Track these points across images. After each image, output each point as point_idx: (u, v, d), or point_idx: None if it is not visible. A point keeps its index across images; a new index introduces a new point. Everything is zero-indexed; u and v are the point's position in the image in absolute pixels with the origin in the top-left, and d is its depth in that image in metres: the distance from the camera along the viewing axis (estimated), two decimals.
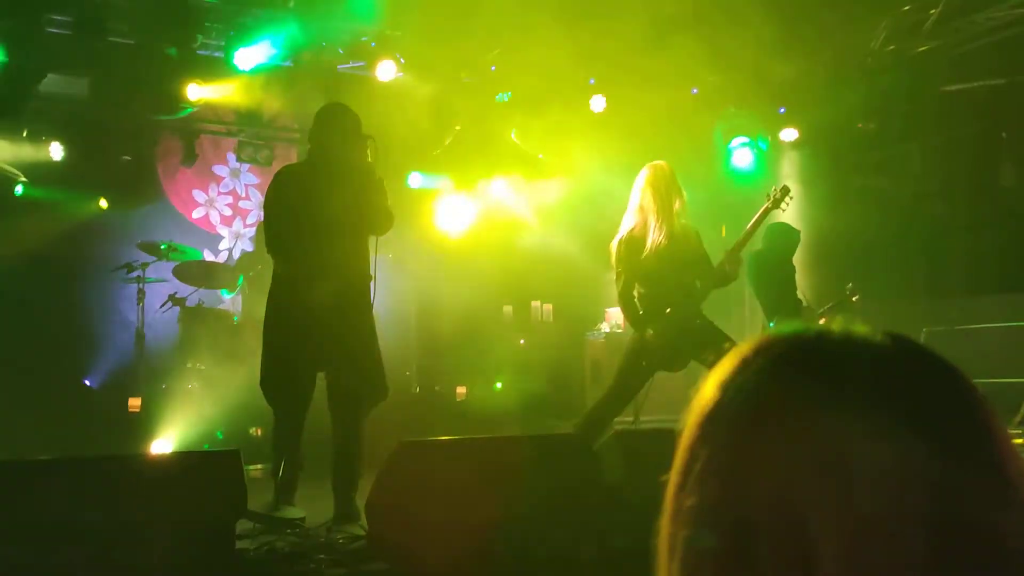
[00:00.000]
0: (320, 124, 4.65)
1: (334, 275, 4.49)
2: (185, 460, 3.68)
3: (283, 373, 4.53)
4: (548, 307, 9.28)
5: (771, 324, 6.75)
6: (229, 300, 8.76)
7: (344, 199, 4.50)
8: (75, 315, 8.61)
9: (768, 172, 9.23)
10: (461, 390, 8.84)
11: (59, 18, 7.67)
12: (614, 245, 5.31)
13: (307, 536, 3.97)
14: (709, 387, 0.77)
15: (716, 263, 5.28)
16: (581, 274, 8.88)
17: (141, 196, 9.16)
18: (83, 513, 3.21)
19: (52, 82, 7.72)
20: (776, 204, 5.45)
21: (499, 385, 8.95)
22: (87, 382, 8.36)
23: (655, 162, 5.31)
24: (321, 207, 4.48)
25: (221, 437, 7.05)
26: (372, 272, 4.71)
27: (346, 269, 4.57)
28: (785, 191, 5.48)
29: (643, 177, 5.29)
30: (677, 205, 5.20)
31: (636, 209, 5.27)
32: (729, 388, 0.75)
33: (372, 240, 4.70)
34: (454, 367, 9.11)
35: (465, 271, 9.12)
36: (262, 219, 9.18)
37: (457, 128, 8.58)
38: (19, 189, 8.27)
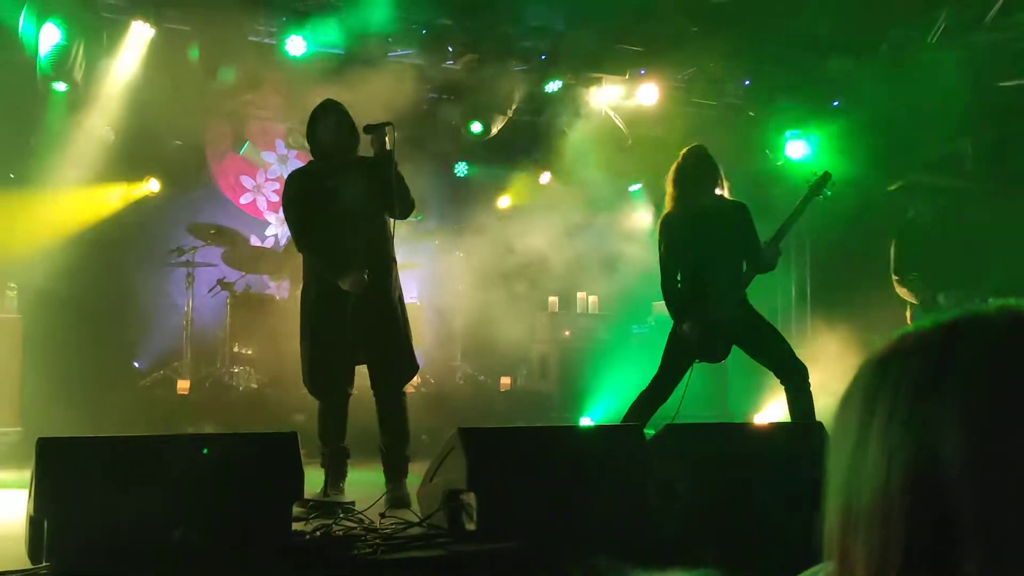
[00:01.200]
0: (310, 123, 4.77)
1: (356, 264, 4.57)
2: (243, 441, 3.69)
3: (323, 365, 4.64)
4: (594, 299, 9.22)
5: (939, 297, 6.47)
6: (275, 286, 8.82)
7: (352, 190, 4.60)
8: (125, 298, 8.70)
9: (820, 165, 9.09)
10: (505, 381, 8.82)
11: (113, 2, 7.75)
12: (655, 233, 5.27)
13: (360, 521, 3.96)
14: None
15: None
16: (628, 266, 8.82)
17: (191, 181, 9.24)
18: (144, 492, 3.23)
19: (106, 67, 7.80)
20: (817, 191, 5.29)
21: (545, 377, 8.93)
22: (136, 364, 8.45)
23: (694, 145, 5.24)
24: (336, 200, 4.60)
25: (265, 422, 7.09)
26: (393, 254, 4.81)
27: (367, 256, 4.64)
28: (826, 178, 5.30)
29: (679, 160, 5.22)
30: (714, 186, 5.13)
31: (670, 195, 5.21)
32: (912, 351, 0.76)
33: (392, 224, 4.79)
34: (498, 358, 9.10)
35: (511, 261, 9.09)
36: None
37: (508, 114, 8.54)
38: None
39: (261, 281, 8.79)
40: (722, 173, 5.21)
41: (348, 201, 4.59)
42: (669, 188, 5.20)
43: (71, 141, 8.04)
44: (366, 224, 4.65)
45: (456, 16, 7.81)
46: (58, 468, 3.12)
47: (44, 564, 3.02)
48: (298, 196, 4.68)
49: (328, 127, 4.64)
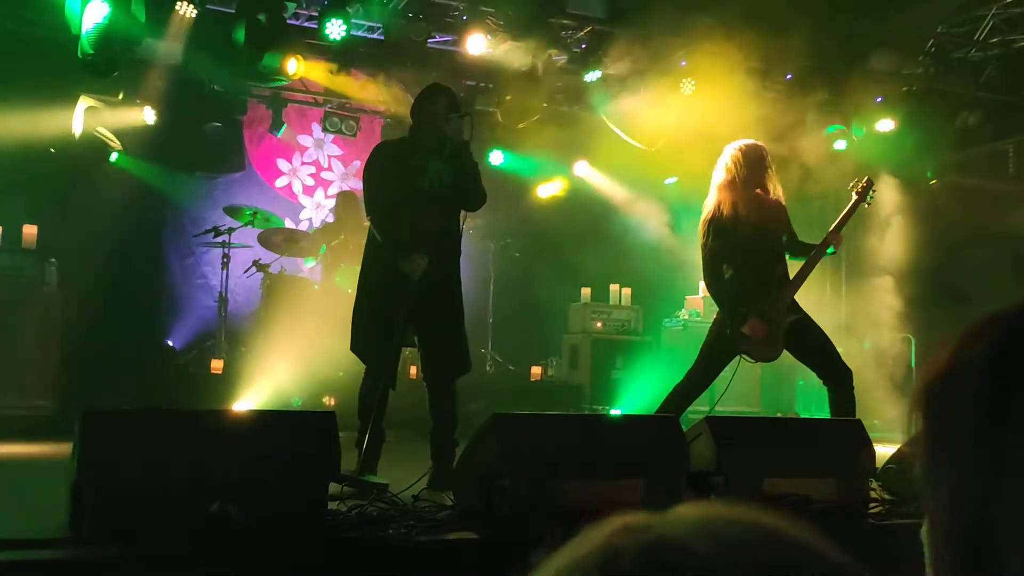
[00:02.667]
0: (420, 102, 4.78)
1: (427, 249, 4.58)
2: (282, 418, 3.71)
3: (375, 333, 4.61)
4: (627, 291, 9.18)
5: None
6: (308, 269, 8.86)
7: (437, 175, 4.61)
8: (161, 277, 8.79)
9: (862, 161, 8.99)
10: (536, 371, 8.82)
11: None
12: (700, 225, 5.21)
13: (394, 502, 3.97)
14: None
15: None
16: (662, 259, 8.79)
17: (228, 163, 9.30)
18: (183, 464, 3.25)
19: (148, 47, 7.87)
20: (862, 198, 5.29)
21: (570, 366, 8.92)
22: (171, 343, 8.53)
23: (742, 140, 5.19)
24: (415, 181, 4.60)
25: (298, 404, 7.14)
26: (459, 246, 4.85)
27: (438, 244, 4.66)
28: (869, 184, 5.30)
29: (727, 154, 5.16)
30: (765, 182, 5.09)
31: (718, 186, 5.15)
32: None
33: (463, 216, 4.80)
34: (529, 348, 9.10)
35: (545, 250, 9.08)
36: (344, 190, 9.35)
37: (544, 105, 8.51)
38: (114, 156, 8.45)
39: (295, 263, 8.84)
40: (774, 171, 5.17)
41: (429, 184, 4.59)
42: (723, 179, 5.14)
43: (112, 118, 8.13)
44: (440, 210, 4.66)
45: (498, 3, 7.79)
46: (101, 439, 3.16)
47: (85, 532, 3.05)
48: (383, 168, 4.69)
49: (439, 108, 4.63)
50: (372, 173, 4.76)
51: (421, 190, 4.58)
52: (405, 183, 4.60)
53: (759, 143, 5.21)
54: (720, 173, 5.15)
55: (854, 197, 5.29)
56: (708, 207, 5.17)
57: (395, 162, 4.69)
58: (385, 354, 4.61)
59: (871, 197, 5.33)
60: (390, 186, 4.63)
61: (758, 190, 5.12)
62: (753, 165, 5.09)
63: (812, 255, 5.16)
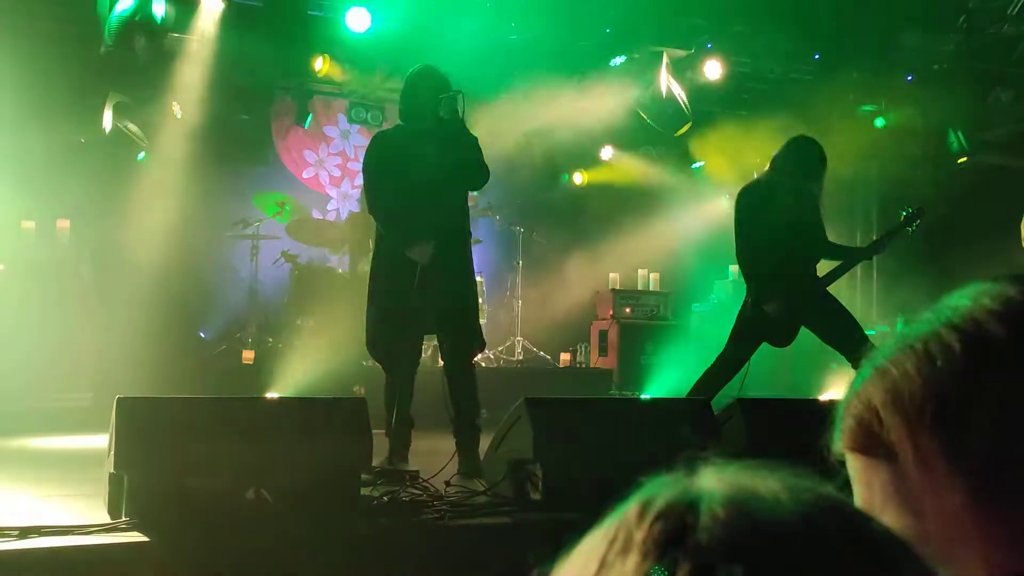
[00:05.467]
0: (407, 86, 4.74)
1: (433, 233, 4.56)
2: (314, 406, 3.73)
3: (389, 333, 4.61)
4: (655, 276, 9.15)
5: None
6: (336, 259, 8.91)
7: (437, 157, 4.57)
8: (192, 269, 8.86)
9: (894, 142, 8.90)
10: (565, 357, 8.81)
11: None
12: (736, 196, 5.20)
13: (426, 488, 3.98)
14: None
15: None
16: (690, 244, 8.74)
17: (256, 155, 9.35)
18: (219, 452, 3.29)
19: (174, 41, 7.93)
20: (908, 223, 5.24)
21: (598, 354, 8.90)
22: (202, 334, 8.61)
23: (802, 135, 5.25)
24: (415, 167, 4.57)
25: (327, 393, 7.17)
26: (468, 226, 4.81)
27: (444, 226, 4.63)
28: (919, 213, 5.25)
29: (792, 142, 5.19)
30: (812, 178, 5.07)
31: (769, 167, 5.17)
32: None
33: (468, 195, 4.82)
34: (558, 334, 9.09)
35: (573, 236, 9.06)
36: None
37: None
38: (141, 155, 8.52)
39: (322, 254, 8.88)
40: (824, 171, 5.13)
41: (428, 168, 4.56)
42: (773, 162, 5.14)
43: (141, 114, 8.20)
44: (443, 193, 4.62)
45: None
46: (137, 426, 3.19)
47: (123, 519, 3.09)
48: (378, 159, 4.68)
49: (430, 89, 4.58)
50: (369, 166, 4.73)
51: (422, 176, 4.55)
52: (404, 172, 4.57)
53: (816, 140, 5.20)
54: (775, 155, 5.18)
55: (901, 220, 5.25)
56: (749, 184, 5.20)
57: (393, 152, 4.66)
58: (400, 347, 4.61)
59: (916, 225, 5.28)
60: (389, 177, 4.60)
61: (803, 182, 5.10)
62: (803, 157, 5.09)
63: (842, 264, 5.19)
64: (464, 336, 4.70)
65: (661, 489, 0.50)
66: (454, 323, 4.68)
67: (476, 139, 4.68)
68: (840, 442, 0.73)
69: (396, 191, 4.59)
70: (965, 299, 0.68)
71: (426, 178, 4.55)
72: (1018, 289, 0.67)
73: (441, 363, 5.00)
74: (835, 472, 0.74)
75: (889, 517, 0.66)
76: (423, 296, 4.55)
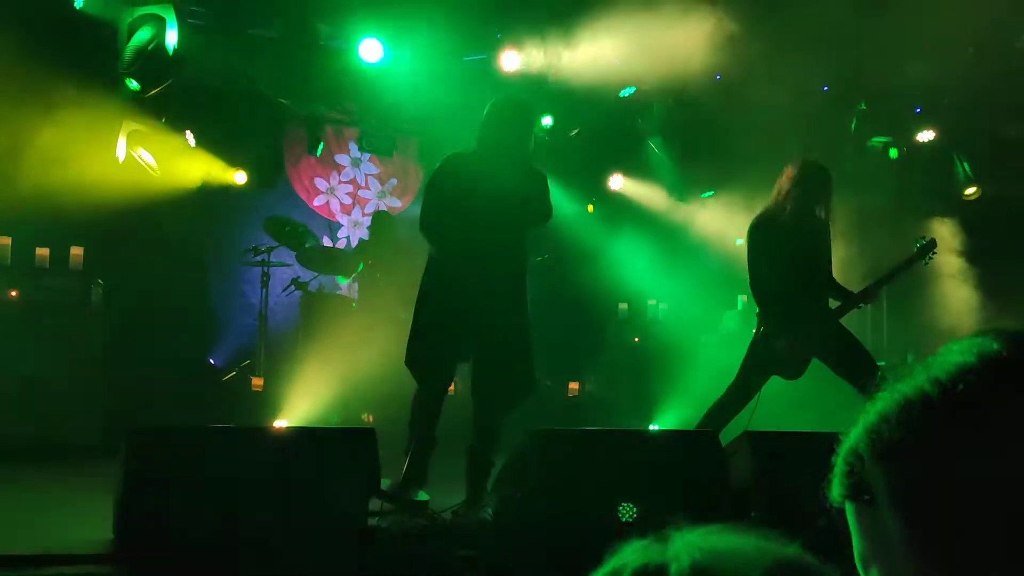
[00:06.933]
0: (495, 112, 4.68)
1: (488, 264, 4.51)
2: (323, 435, 3.75)
3: (428, 351, 4.55)
4: (664, 306, 9.14)
5: None
6: (345, 287, 8.94)
7: (506, 190, 4.52)
8: (202, 296, 8.91)
9: (903, 173, 8.92)
10: (573, 386, 8.80)
11: (197, 9, 7.96)
12: (748, 229, 5.19)
13: (434, 519, 3.98)
14: None
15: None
16: (700, 273, 8.74)
17: (267, 183, 9.42)
18: (227, 480, 3.30)
19: (188, 70, 8.02)
20: (923, 254, 5.22)
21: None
22: (212, 361, 8.64)
23: (807, 157, 5.20)
24: (482, 195, 4.51)
25: (336, 421, 7.18)
26: (525, 260, 4.75)
27: (501, 260, 4.58)
28: (932, 244, 5.23)
29: (790, 167, 5.16)
30: (820, 203, 5.06)
31: (775, 195, 5.14)
32: None
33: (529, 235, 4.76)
34: (566, 362, 9.08)
35: (582, 265, 9.08)
36: (380, 210, 9.44)
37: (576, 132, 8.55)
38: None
39: (332, 281, 8.92)
40: (831, 197, 5.13)
41: (494, 199, 4.49)
42: (779, 190, 5.12)
43: (155, 142, 8.28)
44: (504, 228, 4.56)
45: (535, 22, 7.84)
46: (146, 455, 3.21)
47: (131, 547, 3.10)
48: (444, 181, 4.61)
49: (517, 124, 4.59)
50: (434, 185, 4.68)
51: (485, 205, 4.49)
52: (468, 197, 4.51)
53: (823, 164, 5.18)
54: (779, 185, 5.15)
55: (914, 253, 5.22)
56: (760, 215, 5.18)
57: (460, 176, 4.59)
58: (433, 376, 4.56)
59: (930, 257, 5.25)
60: (456, 199, 4.53)
61: (812, 210, 5.09)
62: (811, 184, 5.07)
63: (852, 299, 5.14)
64: (518, 375, 4.59)
65: (633, 556, 0.52)
66: (497, 364, 4.56)
67: (545, 175, 4.68)
68: (836, 492, 0.75)
69: (456, 215, 4.52)
70: (953, 354, 0.71)
71: (489, 208, 4.48)
72: (1001, 345, 0.69)
73: (452, 391, 4.96)
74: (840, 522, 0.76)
75: (878, 564, 0.68)
76: (468, 327, 4.47)
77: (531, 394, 4.68)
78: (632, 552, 0.52)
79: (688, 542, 0.51)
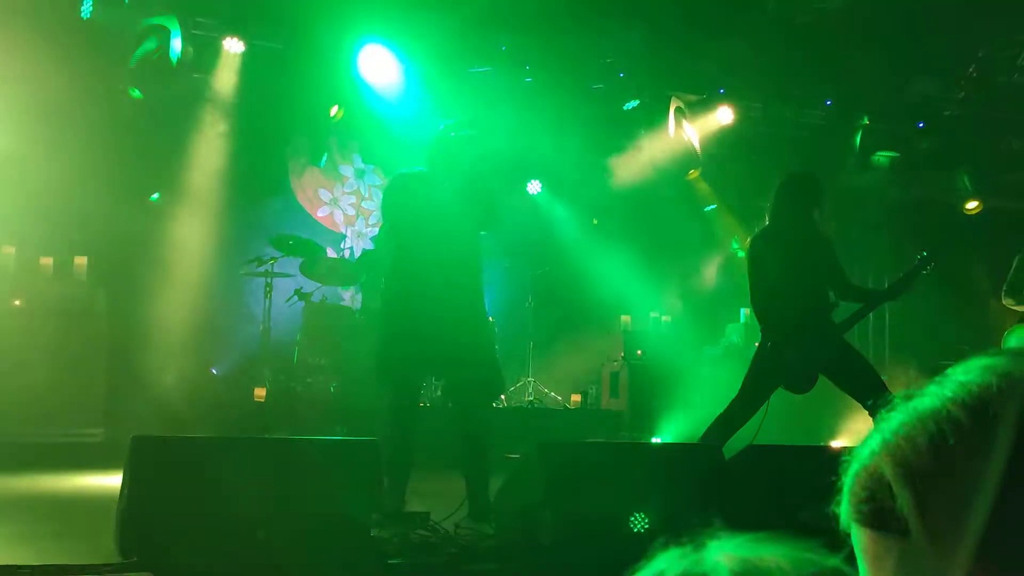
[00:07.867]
0: (443, 135, 4.71)
1: (446, 274, 4.51)
2: (327, 446, 3.74)
3: (396, 357, 4.52)
4: (666, 319, 9.15)
5: None
6: (348, 295, 8.95)
7: (456, 200, 4.55)
8: (205, 306, 8.91)
9: (905, 188, 8.94)
10: (576, 398, 8.80)
11: (203, 20, 8.00)
12: (747, 244, 5.21)
13: (436, 531, 3.97)
14: None
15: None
16: (702, 286, 8.75)
17: (271, 193, 9.44)
18: (230, 491, 3.29)
19: (195, 81, 8.06)
20: (924, 266, 5.22)
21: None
22: (214, 371, 8.64)
23: (799, 169, 5.22)
24: (433, 208, 4.54)
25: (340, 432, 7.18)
26: (480, 268, 4.77)
27: (458, 270, 4.59)
28: (935, 255, 5.23)
29: (782, 181, 5.18)
30: (814, 207, 5.07)
31: (770, 211, 5.16)
32: None
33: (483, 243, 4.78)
34: (569, 375, 9.08)
35: (583, 279, 9.08)
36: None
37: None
38: (155, 195, 8.63)
39: (335, 291, 8.92)
40: (822, 201, 5.14)
41: (442, 209, 4.54)
42: (774, 204, 5.15)
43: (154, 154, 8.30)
44: (458, 237, 4.58)
45: (538, 34, 7.88)
46: (150, 465, 3.21)
47: (134, 559, 3.09)
48: (397, 197, 4.69)
49: (448, 129, 4.65)
50: (388, 200, 4.77)
51: (434, 216, 4.52)
52: (418, 212, 4.56)
53: (814, 174, 5.21)
54: (773, 198, 5.17)
55: (916, 264, 5.23)
56: (757, 232, 5.20)
57: (409, 192, 4.65)
58: (406, 372, 4.55)
59: (932, 268, 5.24)
60: (403, 217, 4.61)
61: (801, 218, 5.10)
62: (799, 191, 5.09)
63: (860, 309, 5.14)
64: (473, 377, 4.60)
65: (670, 564, 0.52)
66: (461, 364, 4.56)
67: (487, 179, 4.67)
68: (849, 515, 0.73)
69: (412, 227, 4.56)
70: (972, 375, 0.70)
71: (438, 219, 4.51)
72: (1020, 365, 0.68)
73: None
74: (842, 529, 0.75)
75: None
76: (432, 339, 4.44)
77: (500, 390, 4.82)
78: (669, 560, 0.52)
79: (726, 551, 0.51)
